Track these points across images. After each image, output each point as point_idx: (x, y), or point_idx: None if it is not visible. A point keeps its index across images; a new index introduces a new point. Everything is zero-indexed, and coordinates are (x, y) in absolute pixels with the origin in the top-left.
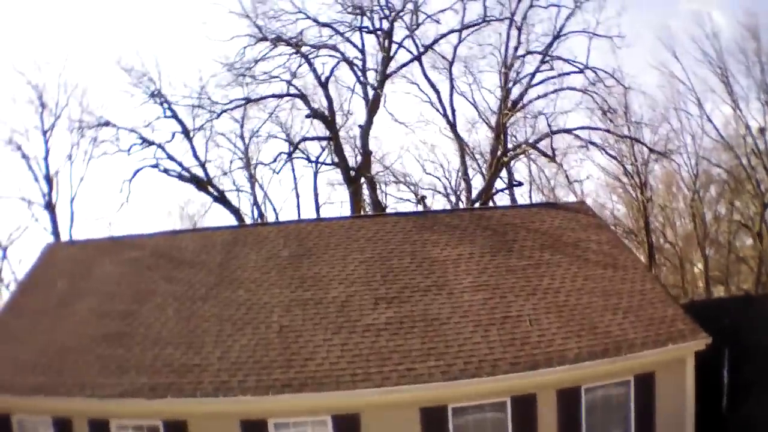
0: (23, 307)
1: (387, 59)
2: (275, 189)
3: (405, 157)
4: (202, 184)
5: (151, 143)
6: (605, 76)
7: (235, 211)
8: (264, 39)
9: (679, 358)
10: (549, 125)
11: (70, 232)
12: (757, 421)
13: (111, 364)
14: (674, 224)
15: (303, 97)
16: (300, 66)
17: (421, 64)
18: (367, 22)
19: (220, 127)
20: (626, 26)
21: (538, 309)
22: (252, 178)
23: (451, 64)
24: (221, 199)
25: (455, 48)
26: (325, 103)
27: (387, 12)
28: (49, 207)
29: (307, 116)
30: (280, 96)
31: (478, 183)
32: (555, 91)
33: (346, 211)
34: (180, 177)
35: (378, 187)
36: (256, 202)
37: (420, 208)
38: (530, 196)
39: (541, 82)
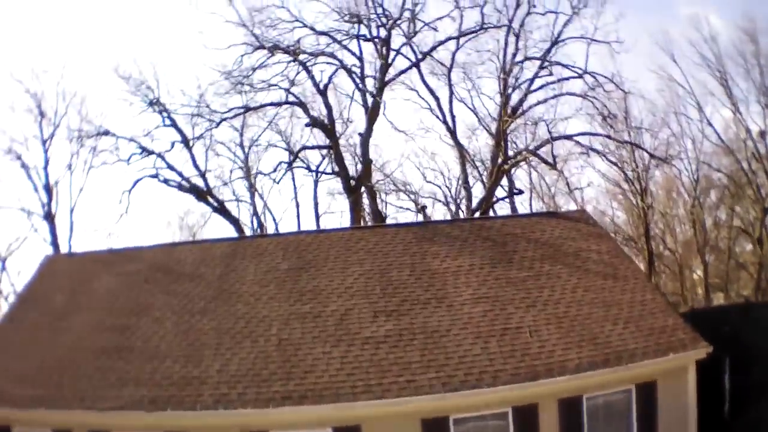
0: (22, 320)
1: (385, 66)
2: (275, 199)
3: (405, 165)
4: (202, 194)
5: (150, 153)
6: (604, 81)
7: (235, 222)
8: (261, 47)
9: (680, 366)
10: (549, 131)
11: (70, 242)
12: (760, 426)
13: (111, 377)
14: (674, 231)
15: (302, 104)
16: (298, 74)
17: (419, 71)
18: (364, 30)
19: (219, 136)
20: (624, 31)
21: (539, 320)
22: (252, 188)
23: (449, 70)
24: (221, 209)
25: (453, 54)
26: (324, 110)
27: (384, 20)
28: (49, 217)
29: (307, 125)
30: (279, 104)
31: (478, 191)
32: (554, 96)
33: (346, 220)
34: (180, 187)
35: (378, 196)
36: (255, 212)
37: (420, 217)
38: (530, 204)
39: (540, 88)
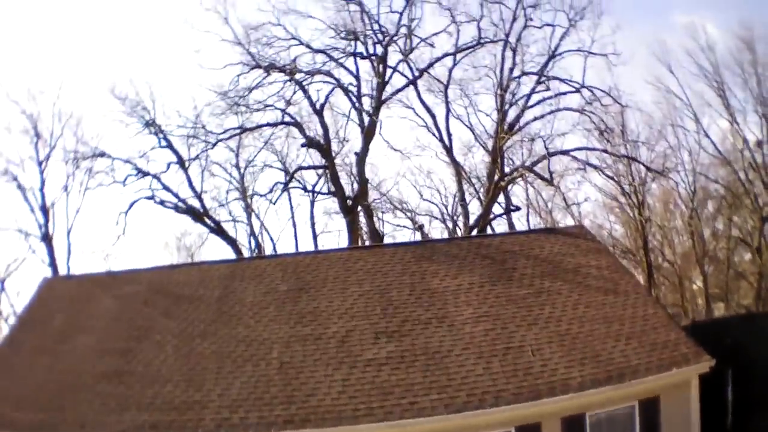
0: (22, 343)
1: (382, 85)
2: (272, 219)
3: (402, 183)
4: (199, 215)
5: (146, 174)
6: (602, 95)
7: (233, 243)
8: (257, 66)
9: (683, 381)
10: (546, 147)
11: (68, 264)
12: None
13: (111, 402)
14: (672, 242)
15: (298, 125)
16: (294, 93)
17: (416, 88)
18: (360, 48)
19: (215, 157)
20: (621, 43)
21: (540, 338)
22: (248, 209)
23: (446, 87)
24: (218, 230)
25: (450, 71)
26: (320, 130)
27: (380, 36)
28: (46, 239)
29: (303, 145)
30: (275, 124)
31: (475, 207)
32: (552, 112)
33: (343, 240)
34: (176, 208)
35: (375, 215)
36: (252, 233)
37: (418, 236)
38: (528, 220)
39: (537, 103)
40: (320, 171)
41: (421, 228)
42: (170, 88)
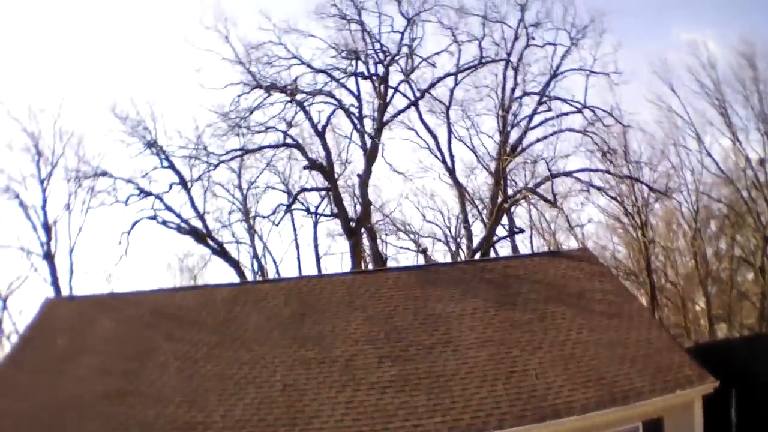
0: (23, 362)
1: (383, 106)
2: (275, 240)
3: (404, 204)
4: (201, 236)
5: (148, 194)
6: (604, 115)
7: (235, 264)
8: (258, 86)
9: (687, 402)
10: (549, 169)
11: (70, 283)
12: None
13: (113, 422)
14: (675, 263)
15: (300, 147)
16: (296, 114)
17: (417, 110)
18: (362, 67)
19: (217, 177)
20: (623, 61)
21: (544, 362)
22: (251, 230)
23: (448, 108)
24: (220, 251)
25: (452, 91)
26: (322, 152)
27: (382, 56)
28: (48, 257)
29: (305, 167)
30: (277, 146)
31: (478, 229)
32: (554, 133)
33: (346, 262)
34: (179, 229)
35: (378, 237)
36: (255, 255)
37: (421, 258)
38: (531, 241)
39: (540, 124)
40: (323, 193)
41: (425, 251)
42: (171, 107)
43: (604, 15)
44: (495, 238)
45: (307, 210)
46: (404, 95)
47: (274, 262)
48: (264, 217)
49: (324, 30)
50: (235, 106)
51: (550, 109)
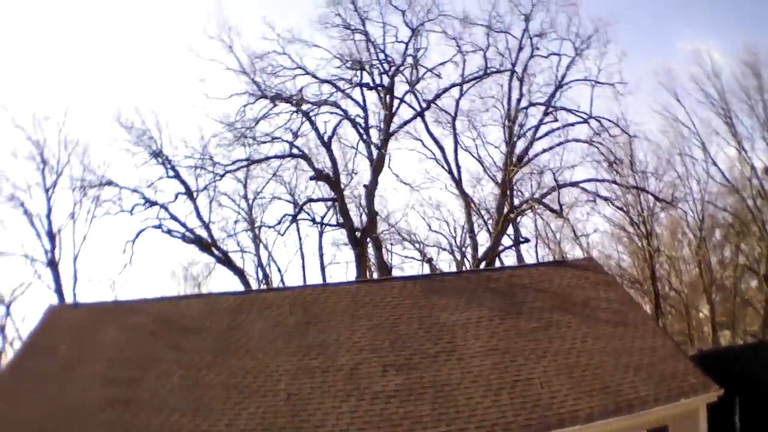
0: (26, 370)
1: (389, 117)
2: (280, 250)
3: (410, 214)
4: (206, 245)
5: (153, 203)
6: (609, 125)
7: (240, 273)
8: (263, 96)
9: (691, 410)
10: (555, 179)
11: (74, 290)
12: None
13: (117, 430)
14: (680, 271)
15: (306, 157)
16: (302, 125)
17: (423, 120)
18: (367, 78)
19: (223, 187)
20: (628, 71)
21: (549, 371)
22: (256, 240)
23: (453, 118)
24: (225, 260)
25: (457, 102)
26: (328, 162)
27: (387, 66)
28: (52, 265)
29: (311, 178)
30: (283, 156)
31: (483, 238)
32: (560, 143)
33: (351, 271)
34: (183, 238)
35: (384, 246)
36: (260, 264)
37: (427, 268)
38: (536, 251)
39: (546, 135)
40: (329, 203)
41: (430, 261)
42: (176, 117)
43: (609, 25)
44: (500, 248)
45: (313, 220)
46: (410, 106)
47: (279, 271)
48: (270, 227)
49: (328, 40)
50: (241, 116)
51: (556, 120)
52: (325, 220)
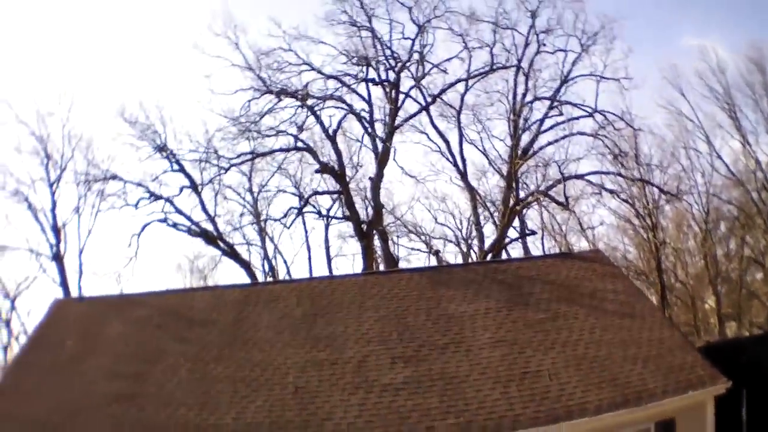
0: (32, 364)
1: (395, 111)
2: (286, 243)
3: (416, 207)
4: (212, 238)
5: (158, 197)
6: (614, 119)
7: (246, 266)
8: (269, 92)
9: (699, 402)
10: (561, 172)
11: (79, 284)
12: None
13: (123, 424)
14: (685, 263)
15: (311, 150)
16: (306, 119)
17: (429, 114)
18: (372, 73)
19: (228, 181)
20: (633, 67)
21: (557, 362)
22: (262, 232)
23: (459, 112)
24: (231, 253)
25: (462, 96)
26: (333, 155)
27: (393, 62)
28: (57, 259)
29: (317, 171)
30: (288, 150)
31: (489, 231)
32: (565, 136)
33: (358, 263)
34: (189, 231)
35: (390, 239)
36: (266, 257)
37: (433, 260)
38: (542, 243)
39: (551, 128)
40: (335, 196)
41: (437, 253)
42: (181, 112)
43: (614, 22)
44: (507, 240)
45: (319, 213)
46: (415, 100)
47: (285, 263)
48: (275, 220)
49: (334, 37)
50: (246, 110)
51: (561, 114)
52: (331, 213)
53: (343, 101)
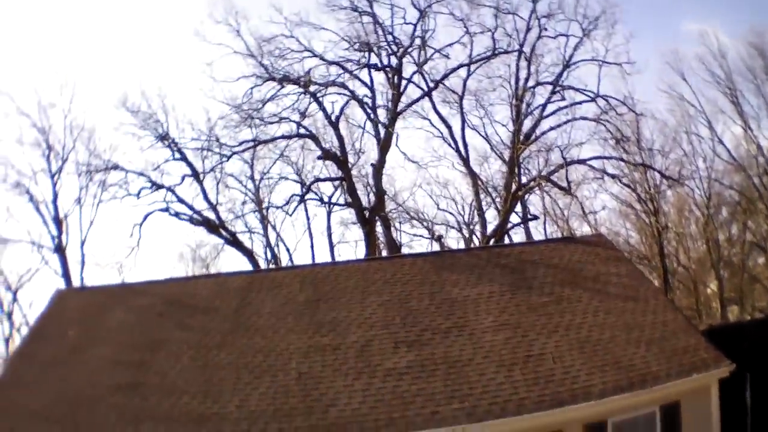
0: (34, 355)
1: (397, 96)
2: (288, 230)
3: (418, 193)
4: (214, 227)
5: (160, 187)
6: (616, 104)
7: (249, 254)
8: (271, 79)
9: (703, 386)
10: (563, 157)
11: (81, 275)
12: None
13: (127, 414)
14: (687, 248)
15: (313, 137)
16: (309, 105)
17: (431, 100)
18: (375, 59)
19: (230, 169)
20: (635, 51)
21: (561, 346)
22: (264, 220)
23: (461, 98)
24: (234, 241)
25: (465, 81)
26: (336, 142)
27: (395, 48)
28: (59, 250)
29: (319, 158)
30: (290, 137)
31: (491, 216)
32: (567, 121)
33: (360, 250)
34: (191, 220)
35: (392, 225)
36: (269, 244)
37: (436, 246)
38: (544, 228)
39: (553, 113)
40: (337, 182)
41: (440, 238)
42: (182, 100)
43: (615, 6)
44: (509, 226)
45: (321, 200)
46: (417, 86)
47: (288, 251)
48: (277, 208)
49: (336, 23)
50: (248, 98)
51: (563, 98)
52: (333, 200)
53: (346, 87)
